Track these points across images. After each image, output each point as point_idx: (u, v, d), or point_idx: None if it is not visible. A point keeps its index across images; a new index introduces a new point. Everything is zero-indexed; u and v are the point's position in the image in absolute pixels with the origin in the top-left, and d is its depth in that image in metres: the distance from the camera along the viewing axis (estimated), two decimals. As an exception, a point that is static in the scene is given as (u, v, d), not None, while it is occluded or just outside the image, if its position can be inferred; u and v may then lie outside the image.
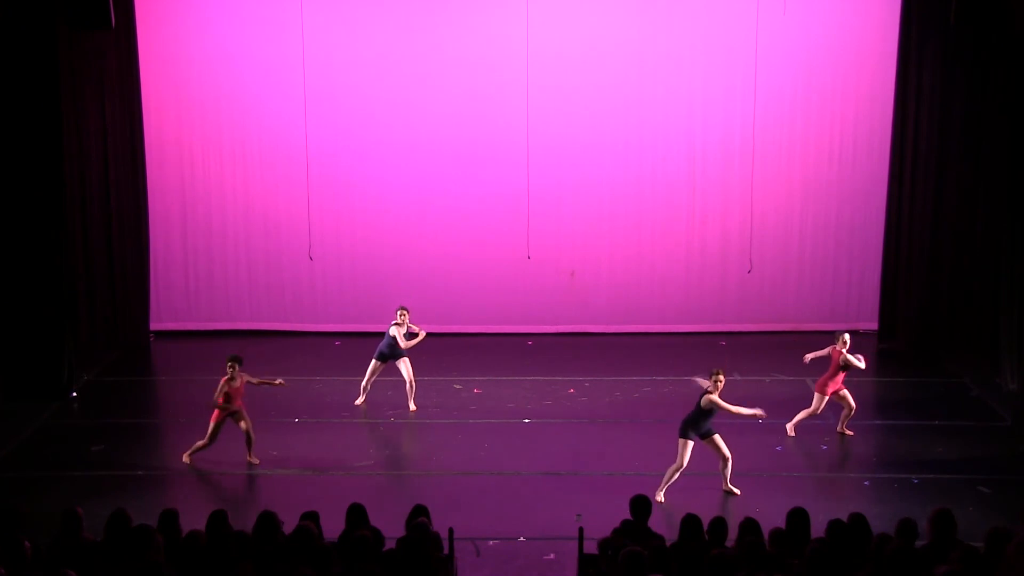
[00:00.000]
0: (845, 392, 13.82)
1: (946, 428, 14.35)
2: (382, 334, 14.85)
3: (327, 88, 17.84)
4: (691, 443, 12.06)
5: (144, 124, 17.57)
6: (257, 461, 13.14)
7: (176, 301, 18.43)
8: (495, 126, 17.93)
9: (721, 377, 12.04)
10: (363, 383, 15.00)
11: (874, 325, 17.80)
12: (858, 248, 18.08)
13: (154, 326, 18.32)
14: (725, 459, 12.18)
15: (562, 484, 12.67)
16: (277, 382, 13.55)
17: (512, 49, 17.63)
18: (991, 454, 13.51)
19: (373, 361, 14.90)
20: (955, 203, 17.28)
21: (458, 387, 15.55)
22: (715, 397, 11.97)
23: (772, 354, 17.13)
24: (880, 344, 17.59)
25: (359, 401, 15.02)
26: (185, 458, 13.17)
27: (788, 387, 15.72)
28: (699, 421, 12.11)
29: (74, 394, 15.55)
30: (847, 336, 13.75)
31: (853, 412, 13.90)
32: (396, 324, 14.67)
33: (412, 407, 14.87)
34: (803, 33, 17.56)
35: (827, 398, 13.79)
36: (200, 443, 13.09)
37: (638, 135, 17.92)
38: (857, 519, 8.64)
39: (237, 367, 12.99)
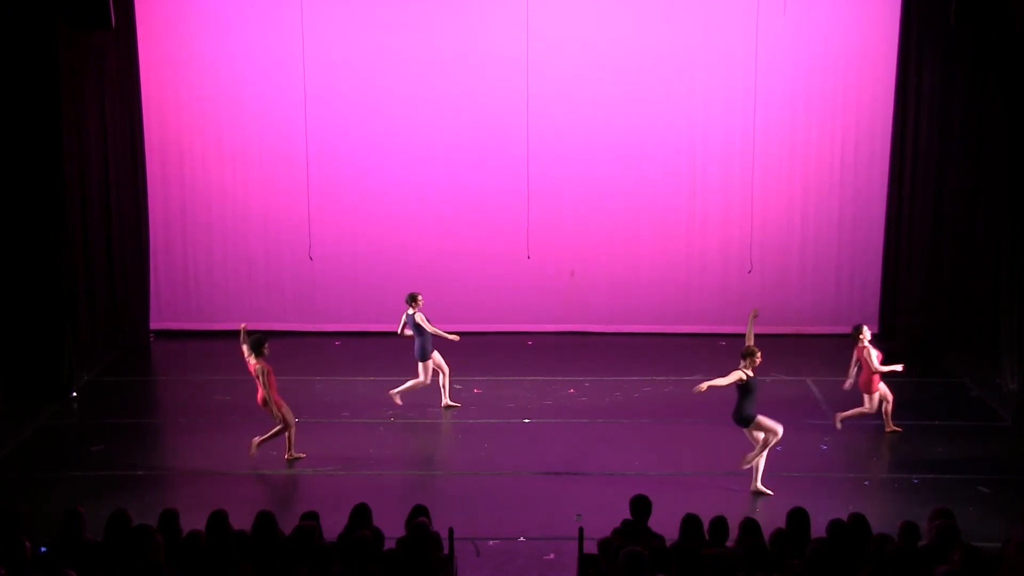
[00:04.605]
0: (884, 389, 13.90)
1: (946, 428, 14.35)
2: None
3: (327, 88, 17.85)
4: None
5: (144, 124, 17.58)
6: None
7: (176, 301, 18.42)
8: (495, 126, 17.93)
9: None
10: (441, 382, 14.85)
11: (874, 325, 17.77)
12: (858, 248, 18.04)
13: (154, 326, 18.32)
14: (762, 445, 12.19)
15: (562, 484, 12.66)
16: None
17: (512, 49, 17.63)
18: (991, 454, 13.51)
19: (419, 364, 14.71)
20: (955, 203, 17.27)
21: (458, 387, 15.53)
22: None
23: (772, 355, 17.07)
24: (880, 344, 17.56)
25: (446, 401, 14.95)
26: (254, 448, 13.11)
27: (788, 387, 15.73)
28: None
29: (74, 394, 15.54)
30: (865, 329, 13.83)
31: (869, 413, 13.90)
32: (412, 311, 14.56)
33: (445, 401, 14.92)
34: (803, 33, 17.55)
35: (877, 394, 13.80)
36: (277, 429, 13.09)
37: (638, 135, 17.92)
38: (857, 519, 8.64)
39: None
